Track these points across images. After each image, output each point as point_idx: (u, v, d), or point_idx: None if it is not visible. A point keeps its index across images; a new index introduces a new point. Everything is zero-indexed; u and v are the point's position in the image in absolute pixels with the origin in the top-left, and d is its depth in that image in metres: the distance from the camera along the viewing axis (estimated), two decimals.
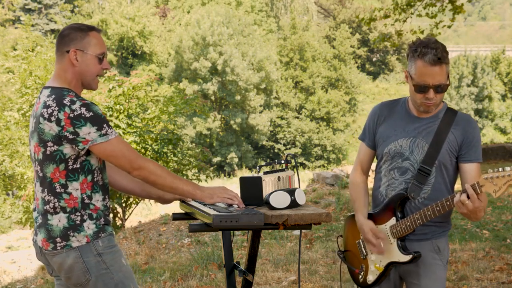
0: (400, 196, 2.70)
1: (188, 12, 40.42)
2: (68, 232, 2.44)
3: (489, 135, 33.53)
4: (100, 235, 2.48)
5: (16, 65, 12.05)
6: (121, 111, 8.90)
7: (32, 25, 36.30)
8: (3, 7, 40.19)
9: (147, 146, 9.03)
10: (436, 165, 2.68)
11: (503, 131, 35.21)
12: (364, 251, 2.86)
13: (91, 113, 2.39)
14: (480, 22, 75.14)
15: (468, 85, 34.81)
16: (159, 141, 9.16)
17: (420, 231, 2.72)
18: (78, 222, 2.45)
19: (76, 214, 2.45)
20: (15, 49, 21.44)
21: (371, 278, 2.82)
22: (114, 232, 2.60)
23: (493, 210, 9.02)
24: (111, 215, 2.65)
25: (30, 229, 10.49)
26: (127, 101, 9.10)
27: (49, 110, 2.40)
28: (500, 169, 2.40)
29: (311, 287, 5.16)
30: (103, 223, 2.51)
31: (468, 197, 2.45)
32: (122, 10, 38.17)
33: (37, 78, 11.35)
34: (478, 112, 35.02)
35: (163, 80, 33.24)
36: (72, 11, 42.47)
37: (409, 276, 2.78)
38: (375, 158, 2.98)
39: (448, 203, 2.53)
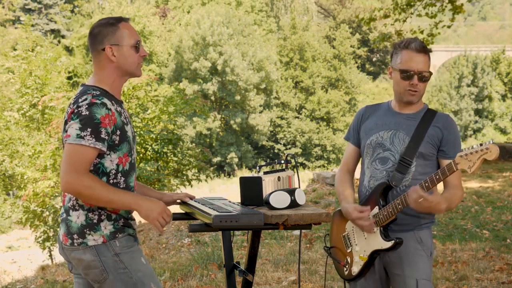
0: (383, 185, 2.77)
1: (188, 12, 40.43)
2: (85, 230, 2.44)
3: (489, 135, 33.54)
4: (117, 235, 2.46)
5: (16, 65, 12.06)
6: None
7: (32, 25, 36.29)
8: (3, 7, 40.18)
9: (147, 146, 9.03)
10: (417, 156, 2.78)
11: (503, 131, 35.21)
12: (349, 243, 2.89)
13: (87, 113, 2.36)
14: (480, 22, 75.14)
15: (468, 85, 34.81)
16: (159, 141, 9.16)
17: (403, 221, 2.78)
18: (95, 221, 2.44)
19: (94, 212, 2.45)
20: (15, 49, 21.44)
21: (355, 269, 2.85)
22: (135, 234, 2.57)
23: (493, 210, 9.01)
24: (134, 220, 2.60)
25: (30, 229, 10.49)
26: (127, 101, 9.10)
27: (68, 109, 2.44)
28: (474, 145, 2.48)
29: (311, 287, 5.16)
30: (122, 224, 2.50)
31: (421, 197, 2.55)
32: (122, 10, 38.15)
33: (37, 78, 11.36)
34: (478, 112, 35.02)
35: (163, 80, 33.23)
36: (72, 11, 42.47)
37: (393, 267, 2.81)
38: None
39: (426, 184, 2.59)
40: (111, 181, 2.49)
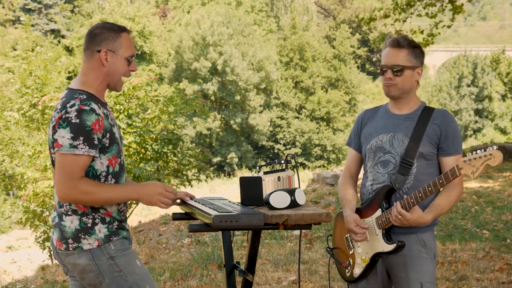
0: (386, 188, 2.76)
1: (188, 12, 40.43)
2: (80, 234, 2.43)
3: (489, 135, 33.52)
4: (112, 238, 2.46)
5: (16, 65, 12.04)
6: (121, 111, 8.89)
7: (32, 25, 36.31)
8: (3, 7, 40.19)
9: (147, 146, 9.02)
10: (417, 157, 2.77)
11: (503, 131, 35.20)
12: (351, 245, 2.89)
13: (77, 120, 2.35)
14: (480, 22, 75.15)
15: (468, 85, 34.80)
16: (159, 141, 9.15)
17: None
18: (89, 225, 2.44)
19: (88, 216, 2.44)
20: (15, 49, 21.45)
21: (357, 271, 2.84)
22: (129, 236, 2.57)
23: (493, 210, 9.01)
24: (127, 222, 2.61)
25: (30, 229, 10.48)
26: (127, 101, 9.08)
27: (54, 113, 2.42)
28: (478, 151, 2.48)
29: (311, 287, 5.16)
30: (116, 227, 2.50)
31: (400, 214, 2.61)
32: (122, 10, 38.16)
33: (37, 78, 11.35)
34: (478, 112, 35.01)
35: (163, 80, 33.23)
36: (72, 11, 42.47)
37: (395, 270, 2.80)
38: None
39: (430, 188, 2.60)
40: (104, 183, 2.49)
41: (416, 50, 2.81)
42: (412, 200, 2.63)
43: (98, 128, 2.39)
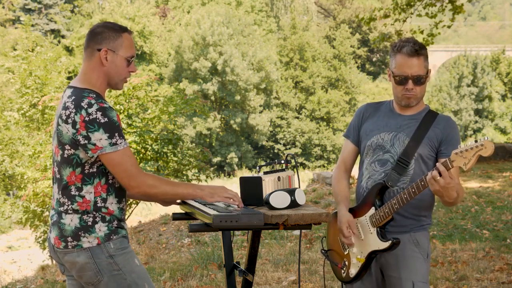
0: (378, 186, 2.76)
1: (188, 12, 40.43)
2: (79, 233, 2.43)
3: (489, 135, 33.54)
4: (111, 237, 2.46)
5: (16, 65, 12.06)
6: (121, 111, 8.89)
7: (32, 25, 36.30)
8: (3, 7, 40.20)
9: (147, 146, 9.02)
10: (415, 158, 2.76)
11: (503, 131, 35.23)
12: (346, 246, 2.89)
13: (106, 119, 2.37)
14: (480, 22, 75.18)
15: (468, 85, 34.82)
16: (159, 141, 9.15)
17: (399, 223, 2.77)
18: (89, 223, 2.44)
19: (89, 215, 2.45)
20: (15, 49, 21.45)
21: (353, 271, 2.84)
22: (127, 235, 2.58)
23: (493, 210, 9.01)
24: (126, 221, 2.62)
25: (30, 229, 10.49)
26: (127, 101, 9.09)
27: (67, 112, 2.40)
28: (469, 143, 2.47)
29: (311, 287, 5.16)
30: (116, 226, 2.50)
31: (440, 174, 2.49)
32: (122, 10, 38.17)
33: (37, 78, 11.36)
34: (478, 112, 35.03)
35: (163, 80, 33.23)
36: (72, 11, 42.48)
37: (389, 269, 2.80)
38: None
39: (422, 183, 2.58)
40: (110, 180, 2.50)
41: (426, 52, 2.78)
42: (405, 196, 2.62)
43: (120, 122, 2.45)
